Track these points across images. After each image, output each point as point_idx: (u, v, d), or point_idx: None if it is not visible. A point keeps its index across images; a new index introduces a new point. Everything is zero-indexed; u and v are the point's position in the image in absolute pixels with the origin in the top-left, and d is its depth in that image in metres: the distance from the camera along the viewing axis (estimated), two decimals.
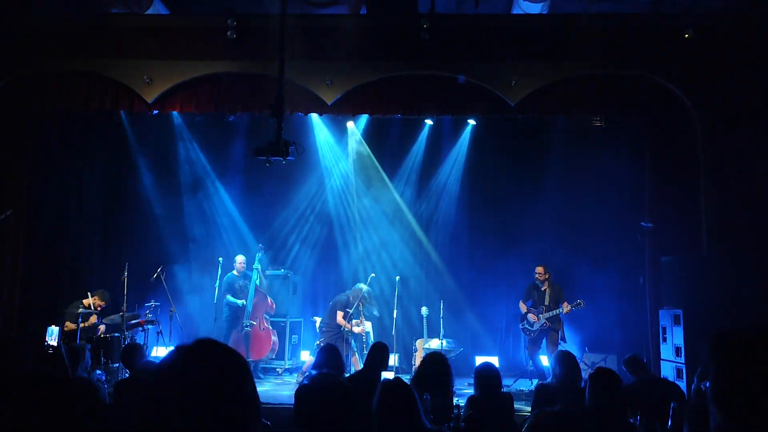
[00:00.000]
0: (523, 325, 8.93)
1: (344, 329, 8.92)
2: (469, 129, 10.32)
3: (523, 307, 8.95)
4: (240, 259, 9.75)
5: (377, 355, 5.34)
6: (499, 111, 8.76)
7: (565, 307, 8.57)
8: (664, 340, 7.91)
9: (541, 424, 1.83)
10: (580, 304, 8.51)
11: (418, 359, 8.94)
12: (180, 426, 1.20)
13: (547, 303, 8.77)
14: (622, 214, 9.61)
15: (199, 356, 1.30)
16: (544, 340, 8.78)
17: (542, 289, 8.91)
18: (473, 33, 8.56)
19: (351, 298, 9.04)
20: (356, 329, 9.04)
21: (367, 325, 9.53)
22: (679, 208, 8.34)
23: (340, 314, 9.03)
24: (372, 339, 9.27)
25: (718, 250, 7.95)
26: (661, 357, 7.96)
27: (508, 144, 10.38)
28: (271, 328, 9.71)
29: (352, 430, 2.15)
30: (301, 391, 2.48)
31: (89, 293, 8.79)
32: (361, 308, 9.00)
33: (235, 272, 9.69)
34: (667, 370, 7.74)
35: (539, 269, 8.93)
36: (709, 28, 8.21)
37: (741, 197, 8.06)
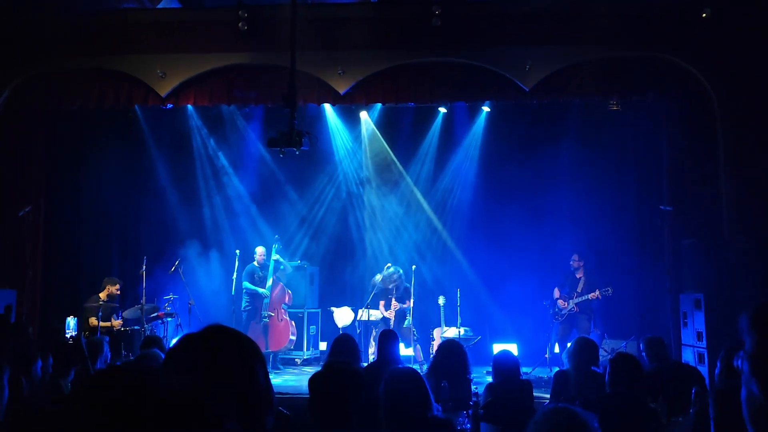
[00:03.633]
0: (553, 310, 9.11)
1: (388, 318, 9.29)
2: (483, 116, 10.23)
3: (555, 293, 9.16)
4: (260, 250, 9.81)
5: (385, 343, 5.32)
6: (514, 96, 8.67)
7: (592, 294, 8.69)
8: (685, 325, 7.81)
9: (542, 420, 1.81)
10: (608, 291, 8.64)
11: (435, 348, 8.92)
12: (188, 408, 1.19)
13: (579, 290, 8.92)
14: (640, 197, 9.49)
15: (207, 341, 1.29)
16: (574, 329, 8.83)
17: (577, 276, 9.06)
18: (485, 17, 8.46)
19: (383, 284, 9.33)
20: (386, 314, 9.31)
21: (375, 313, 9.48)
22: (699, 190, 8.22)
23: (381, 304, 9.39)
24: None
25: (739, 232, 7.83)
26: (682, 342, 7.87)
27: (524, 129, 10.26)
28: (289, 319, 9.75)
29: (364, 416, 2.14)
30: (314, 379, 2.48)
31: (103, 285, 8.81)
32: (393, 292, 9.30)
33: (255, 263, 9.77)
34: (689, 355, 7.65)
35: (574, 257, 9.14)
36: (727, 6, 8.03)
37: (762, 178, 7.91)
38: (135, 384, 1.02)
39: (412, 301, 9.26)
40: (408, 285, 9.36)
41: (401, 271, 9.40)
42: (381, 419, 2.92)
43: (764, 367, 1.72)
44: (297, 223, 10.81)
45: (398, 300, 9.31)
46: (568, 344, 8.37)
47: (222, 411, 1.20)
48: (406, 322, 9.23)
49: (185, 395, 0.96)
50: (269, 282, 9.63)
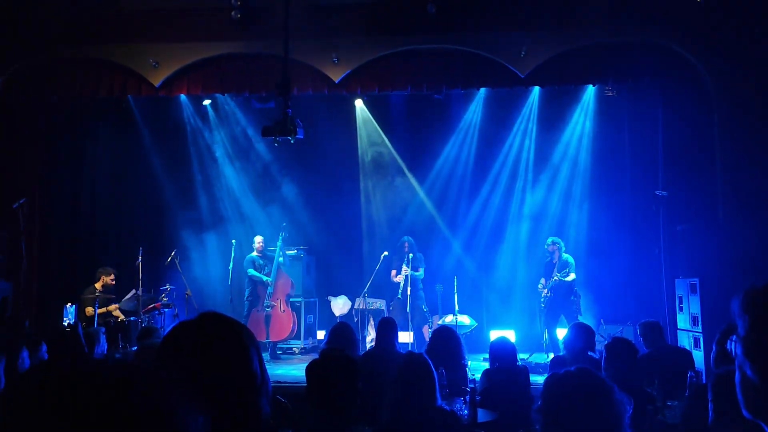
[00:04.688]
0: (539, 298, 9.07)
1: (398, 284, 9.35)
2: (479, 103, 10.19)
3: (542, 282, 9.09)
4: (258, 239, 9.71)
5: (385, 331, 5.32)
6: (509, 83, 8.65)
7: (556, 276, 8.64)
8: (681, 309, 7.85)
9: (549, 386, 1.81)
10: (566, 272, 8.59)
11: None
12: (180, 395, 1.18)
13: (553, 274, 8.86)
14: (635, 182, 9.49)
15: (201, 328, 1.29)
16: (560, 314, 8.81)
17: (553, 261, 8.98)
18: (480, 4, 8.43)
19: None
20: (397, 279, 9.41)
21: (372, 302, 9.50)
22: (694, 174, 8.23)
23: (393, 272, 9.47)
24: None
25: (734, 217, 7.85)
26: (678, 326, 7.91)
27: (519, 115, 10.24)
28: (291, 309, 9.68)
29: (362, 404, 2.15)
30: (311, 367, 2.49)
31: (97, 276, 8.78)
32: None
33: (255, 252, 9.68)
34: (684, 340, 7.69)
35: (548, 242, 9.03)
36: None
37: (757, 163, 7.92)
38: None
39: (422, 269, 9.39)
40: (420, 254, 9.44)
41: (411, 238, 9.52)
42: (386, 406, 2.93)
43: (757, 349, 1.72)
44: (293, 212, 10.76)
45: (408, 266, 9.31)
46: (557, 330, 8.45)
47: (212, 394, 1.20)
48: (421, 303, 9.29)
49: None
50: (274, 271, 9.56)
